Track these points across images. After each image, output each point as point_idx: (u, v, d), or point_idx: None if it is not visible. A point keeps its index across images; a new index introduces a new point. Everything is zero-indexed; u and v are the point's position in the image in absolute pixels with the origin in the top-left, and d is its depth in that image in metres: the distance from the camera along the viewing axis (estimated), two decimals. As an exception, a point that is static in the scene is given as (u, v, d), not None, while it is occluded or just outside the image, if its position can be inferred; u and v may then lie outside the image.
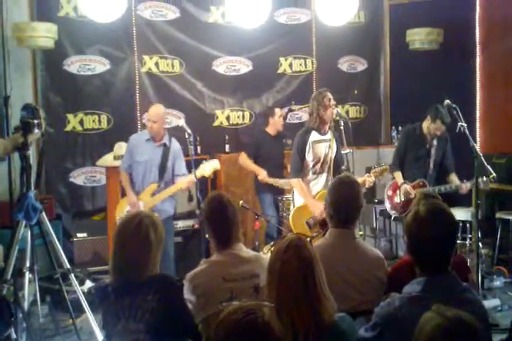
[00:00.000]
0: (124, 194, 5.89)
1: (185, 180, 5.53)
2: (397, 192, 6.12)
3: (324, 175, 5.45)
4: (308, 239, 5.12)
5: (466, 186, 5.70)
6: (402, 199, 6.03)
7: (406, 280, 2.58)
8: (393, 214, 6.23)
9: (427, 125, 6.04)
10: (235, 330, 1.75)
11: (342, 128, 5.25)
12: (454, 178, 6.00)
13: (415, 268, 2.58)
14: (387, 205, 6.28)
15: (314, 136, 5.39)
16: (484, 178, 5.43)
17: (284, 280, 2.35)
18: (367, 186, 5.25)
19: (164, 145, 5.72)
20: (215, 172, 7.24)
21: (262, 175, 6.39)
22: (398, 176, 6.12)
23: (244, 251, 3.27)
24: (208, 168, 5.47)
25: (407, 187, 5.99)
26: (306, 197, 5.34)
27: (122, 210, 5.72)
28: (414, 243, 2.56)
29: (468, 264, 6.34)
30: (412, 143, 6.16)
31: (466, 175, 5.81)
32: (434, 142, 6.11)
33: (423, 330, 1.82)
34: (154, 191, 5.64)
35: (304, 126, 5.63)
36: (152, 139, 5.70)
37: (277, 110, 6.72)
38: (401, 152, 6.21)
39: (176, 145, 5.80)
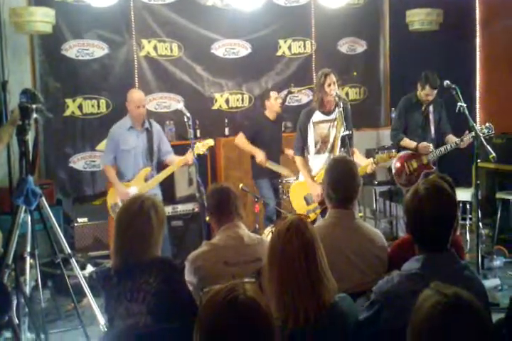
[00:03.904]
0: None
1: (181, 160, 5.59)
2: (405, 163, 6.15)
3: (326, 155, 5.42)
4: (306, 212, 5.18)
5: (464, 141, 5.74)
6: (412, 170, 6.09)
7: (406, 259, 2.59)
8: (400, 184, 6.25)
9: (419, 93, 6.22)
10: (219, 311, 1.75)
11: (341, 110, 5.23)
12: (451, 138, 6.07)
13: (415, 246, 2.59)
14: (395, 175, 6.30)
15: (317, 116, 5.40)
16: (472, 133, 5.45)
17: (286, 261, 2.35)
18: (368, 172, 5.23)
19: (146, 129, 5.76)
20: (215, 156, 7.27)
21: (260, 157, 6.33)
22: (406, 142, 6.21)
23: (247, 233, 3.29)
24: (202, 145, 5.53)
25: (423, 143, 6.05)
26: (306, 177, 5.39)
27: (114, 200, 5.74)
28: (414, 221, 2.56)
29: (469, 244, 6.44)
30: (410, 112, 6.31)
31: (467, 155, 5.84)
32: (431, 108, 6.27)
33: (421, 308, 1.82)
34: (147, 176, 5.68)
35: (309, 105, 5.64)
36: (134, 126, 5.73)
37: (272, 93, 6.66)
38: (401, 120, 6.34)
39: (156, 127, 5.90)
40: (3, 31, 6.36)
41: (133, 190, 5.56)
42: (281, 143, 6.75)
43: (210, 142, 5.61)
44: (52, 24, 6.54)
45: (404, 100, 6.39)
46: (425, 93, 6.12)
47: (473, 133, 5.41)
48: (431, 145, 6.01)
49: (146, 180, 5.67)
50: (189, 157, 5.48)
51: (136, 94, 5.77)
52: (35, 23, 6.35)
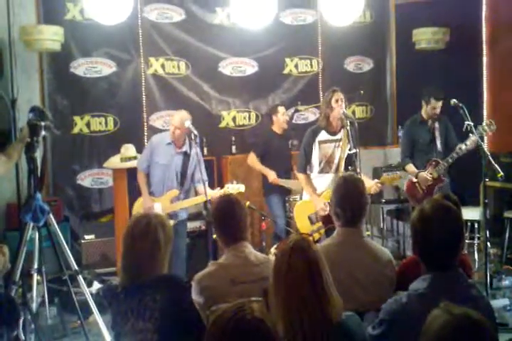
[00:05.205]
0: (134, 194, 5.84)
1: (215, 194, 5.36)
2: (417, 185, 6.12)
3: (330, 175, 5.39)
4: (309, 232, 5.15)
5: (467, 145, 5.66)
6: (424, 188, 6.03)
7: (414, 279, 2.57)
8: (413, 201, 6.21)
9: (424, 110, 6.21)
10: (226, 331, 1.76)
11: (348, 128, 5.20)
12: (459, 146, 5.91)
13: (421, 265, 2.58)
14: (407, 193, 6.29)
15: (323, 135, 5.36)
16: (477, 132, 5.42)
17: (290, 281, 2.34)
18: (372, 193, 5.16)
19: (185, 153, 5.64)
20: (221, 174, 7.28)
21: (272, 176, 6.38)
22: (410, 168, 6.15)
23: (253, 253, 3.27)
24: (233, 189, 5.42)
25: (423, 174, 6.00)
26: (311, 192, 5.34)
27: (139, 211, 5.65)
28: (420, 241, 2.56)
29: (477, 264, 6.40)
30: (416, 132, 6.27)
31: (474, 174, 5.81)
32: (436, 125, 6.21)
33: (431, 328, 1.81)
34: (173, 198, 5.59)
35: (316, 123, 5.61)
36: (173, 144, 5.60)
37: (280, 108, 6.69)
38: (408, 143, 6.30)
39: (195, 152, 5.54)
40: (13, 49, 6.41)
41: (157, 207, 5.50)
42: (290, 158, 6.75)
43: (242, 188, 5.48)
44: (61, 42, 6.62)
45: (409, 122, 6.37)
46: (432, 106, 6.08)
47: (476, 135, 5.40)
48: (430, 177, 5.97)
49: (171, 201, 5.58)
50: (216, 195, 5.31)
51: (176, 116, 5.57)
52: (44, 41, 6.44)
